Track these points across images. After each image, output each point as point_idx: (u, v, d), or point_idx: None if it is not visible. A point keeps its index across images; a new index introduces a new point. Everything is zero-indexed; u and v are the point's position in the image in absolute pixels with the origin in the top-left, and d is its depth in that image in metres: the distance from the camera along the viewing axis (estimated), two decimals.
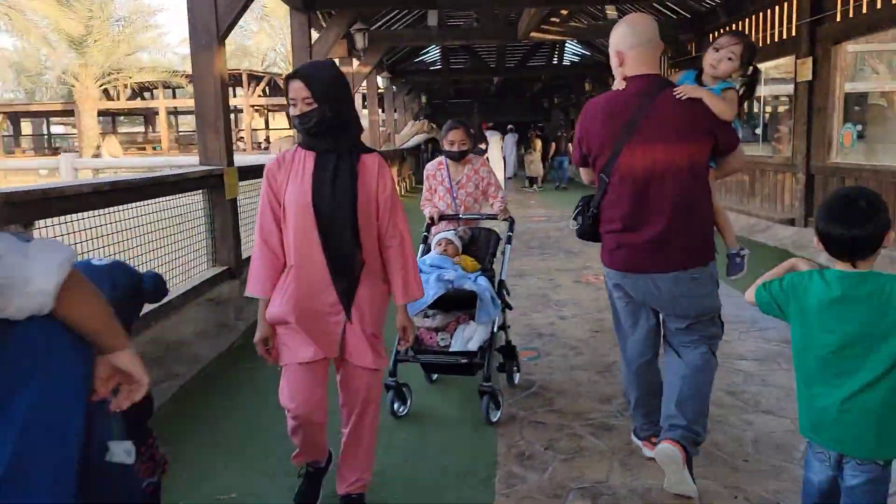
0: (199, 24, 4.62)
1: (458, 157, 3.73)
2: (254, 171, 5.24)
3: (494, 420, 3.15)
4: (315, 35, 8.02)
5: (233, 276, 4.82)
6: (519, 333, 4.62)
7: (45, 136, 33.44)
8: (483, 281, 3.29)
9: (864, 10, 6.49)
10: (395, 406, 3.22)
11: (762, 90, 9.14)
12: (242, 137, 25.94)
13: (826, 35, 7.10)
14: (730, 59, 2.42)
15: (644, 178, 2.34)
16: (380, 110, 16.43)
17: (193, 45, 4.67)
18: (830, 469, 1.76)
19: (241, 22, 7.06)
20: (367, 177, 2.14)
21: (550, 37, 10.51)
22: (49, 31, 22.67)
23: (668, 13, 10.88)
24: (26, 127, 35.20)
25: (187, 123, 31.67)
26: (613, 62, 2.45)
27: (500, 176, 17.62)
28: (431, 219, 3.69)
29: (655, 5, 10.83)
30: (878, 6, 6.27)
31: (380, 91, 21.30)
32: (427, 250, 3.62)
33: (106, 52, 23.40)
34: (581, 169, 2.64)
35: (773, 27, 8.32)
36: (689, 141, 2.33)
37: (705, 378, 2.51)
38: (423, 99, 21.40)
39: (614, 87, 2.46)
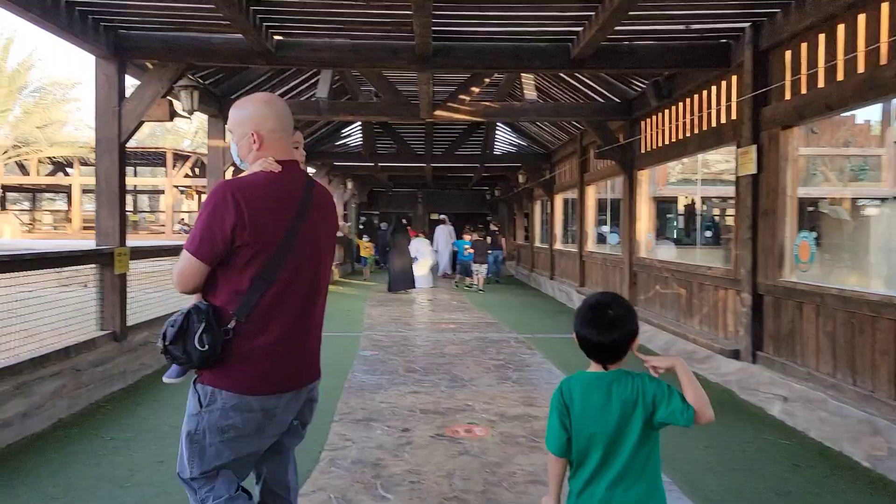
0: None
1: None
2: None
3: None
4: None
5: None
6: None
7: None
8: None
9: (822, 83, 4.93)
10: None
11: (698, 188, 7.59)
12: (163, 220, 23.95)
13: (773, 117, 5.53)
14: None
15: (311, 277, 2.19)
16: None
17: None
18: None
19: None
20: None
21: (458, 117, 8.95)
22: None
23: (596, 97, 9.46)
24: None
25: None
26: (244, 143, 2.20)
27: (422, 271, 15.80)
28: None
29: (580, 87, 9.41)
30: (840, 76, 4.71)
31: None
32: None
33: (13, 124, 21.60)
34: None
35: (709, 108, 6.80)
36: (332, 235, 2.35)
37: None
38: (349, 185, 19.79)
39: (256, 168, 2.14)
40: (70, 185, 25.02)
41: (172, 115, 6.17)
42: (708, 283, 6.88)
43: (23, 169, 24.61)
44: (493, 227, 18.45)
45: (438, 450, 4.38)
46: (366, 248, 19.09)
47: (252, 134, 2.16)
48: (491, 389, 6.02)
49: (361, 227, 24.30)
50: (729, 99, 6.36)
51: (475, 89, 8.79)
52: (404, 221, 16.98)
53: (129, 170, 24.17)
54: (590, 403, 1.86)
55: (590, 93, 9.58)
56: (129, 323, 6.26)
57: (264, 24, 5.64)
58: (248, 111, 2.19)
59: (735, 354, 5.99)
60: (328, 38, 6.13)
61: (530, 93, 8.86)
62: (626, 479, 1.83)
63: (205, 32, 5.98)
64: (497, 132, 14.77)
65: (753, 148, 5.70)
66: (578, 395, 1.88)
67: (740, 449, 4.55)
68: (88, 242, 12.33)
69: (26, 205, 33.88)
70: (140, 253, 6.54)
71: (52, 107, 22.75)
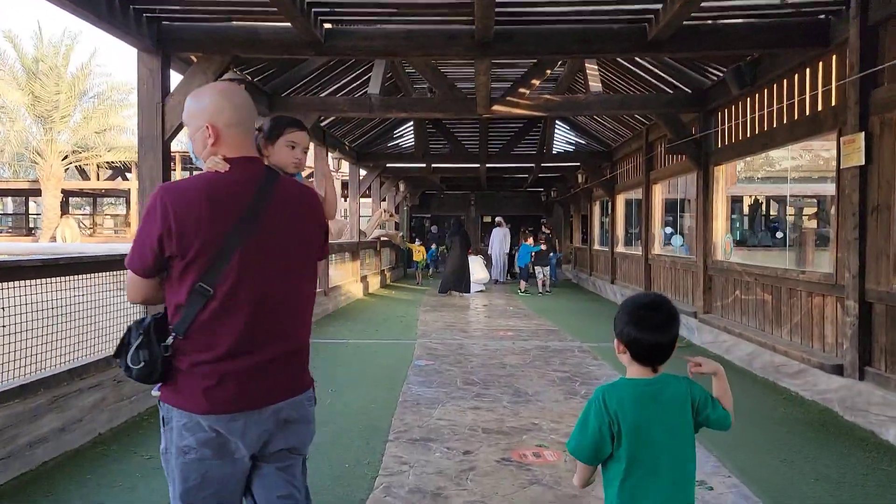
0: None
1: None
2: None
3: None
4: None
5: None
6: None
7: (24, 216, 32.09)
8: None
9: None
10: None
11: (787, 187, 6.88)
12: None
13: (886, 100, 4.84)
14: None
15: (266, 286, 1.95)
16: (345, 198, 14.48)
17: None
18: None
19: None
20: None
21: (517, 112, 8.42)
22: (16, 106, 21.32)
23: (665, 88, 8.80)
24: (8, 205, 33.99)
25: None
26: (198, 137, 1.99)
27: (478, 277, 15.35)
28: None
29: (647, 77, 8.76)
30: None
31: (343, 178, 19.62)
32: None
33: (74, 129, 22.07)
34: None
35: (801, 93, 6.09)
36: (310, 239, 2.12)
37: None
38: (401, 187, 19.44)
39: (208, 167, 1.95)
40: (129, 189, 25.51)
41: None
42: (801, 288, 6.17)
43: (83, 173, 25.19)
44: (545, 230, 17.83)
45: (506, 478, 3.89)
46: (418, 251, 18.69)
47: (207, 127, 1.97)
48: (558, 406, 5.48)
49: (412, 231, 23.93)
50: (828, 82, 5.66)
51: (535, 82, 8.27)
52: (462, 223, 16.52)
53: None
54: (645, 409, 1.85)
55: (658, 83, 8.93)
56: None
57: (313, 10, 5.24)
58: (203, 102, 2.00)
59: (838, 370, 5.29)
60: (381, 24, 5.71)
61: (595, 84, 8.26)
62: (680, 480, 1.86)
63: (251, 21, 5.64)
64: (555, 130, 14.14)
65: (860, 136, 5.00)
66: (630, 402, 1.85)
67: (857, 483, 3.91)
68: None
69: (87, 209, 34.85)
70: None
71: (111, 112, 23.11)
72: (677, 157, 9.24)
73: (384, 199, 18.89)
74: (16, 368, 4.10)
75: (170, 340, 1.90)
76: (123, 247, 15.91)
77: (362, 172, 15.57)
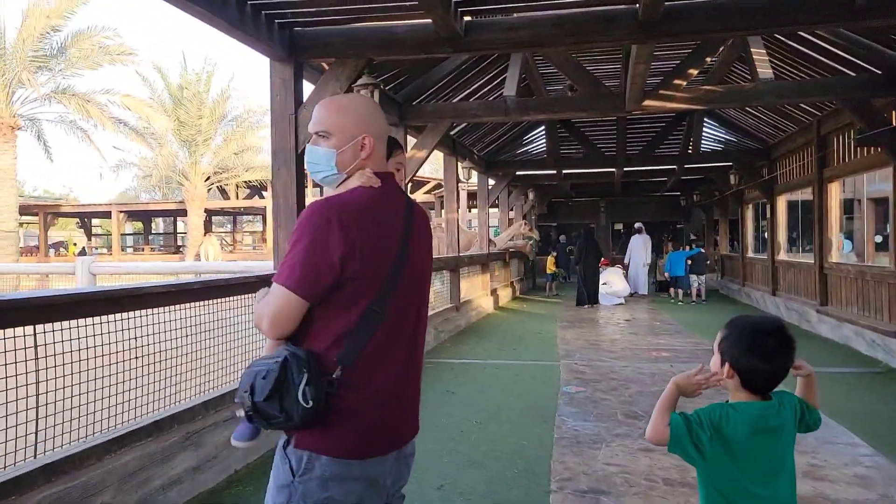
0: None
1: None
2: None
3: None
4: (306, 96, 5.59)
5: None
6: None
7: (172, 235, 34.42)
8: None
9: None
10: None
11: None
12: None
13: None
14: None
15: (417, 312, 1.90)
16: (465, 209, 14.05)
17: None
18: None
19: None
20: None
21: (672, 106, 7.49)
22: (164, 133, 22.75)
23: (847, 70, 7.54)
24: (157, 225, 36.63)
25: None
26: (350, 149, 1.85)
27: (617, 288, 14.34)
28: None
29: (823, 58, 7.54)
30: None
31: (471, 188, 19.08)
32: None
33: (215, 151, 23.22)
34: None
35: None
36: (431, 263, 2.07)
37: None
38: (530, 196, 18.70)
39: (355, 183, 1.85)
40: (265, 207, 26.56)
41: None
42: None
43: (223, 193, 26.52)
44: (692, 237, 16.49)
45: None
46: (551, 262, 17.82)
47: (363, 139, 1.86)
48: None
49: (540, 241, 23.09)
50: None
51: (693, 71, 7.32)
52: (592, 231, 15.53)
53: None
54: (763, 436, 1.82)
55: (836, 65, 7.68)
56: None
57: (453, 0, 4.69)
58: (357, 111, 1.89)
59: None
60: (523, 12, 5.08)
61: (764, 70, 7.17)
62: (792, 480, 1.86)
63: (387, 20, 5.19)
64: (703, 127, 12.90)
65: None
66: (745, 432, 1.80)
67: None
68: (268, 264, 12.43)
69: (228, 227, 36.88)
70: None
71: (248, 133, 24.16)
72: (863, 150, 7.92)
73: (512, 209, 18.28)
74: (148, 403, 3.81)
75: (337, 374, 1.70)
76: (258, 265, 16.33)
77: (490, 182, 15.02)
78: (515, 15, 5.15)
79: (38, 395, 3.15)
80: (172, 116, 22.12)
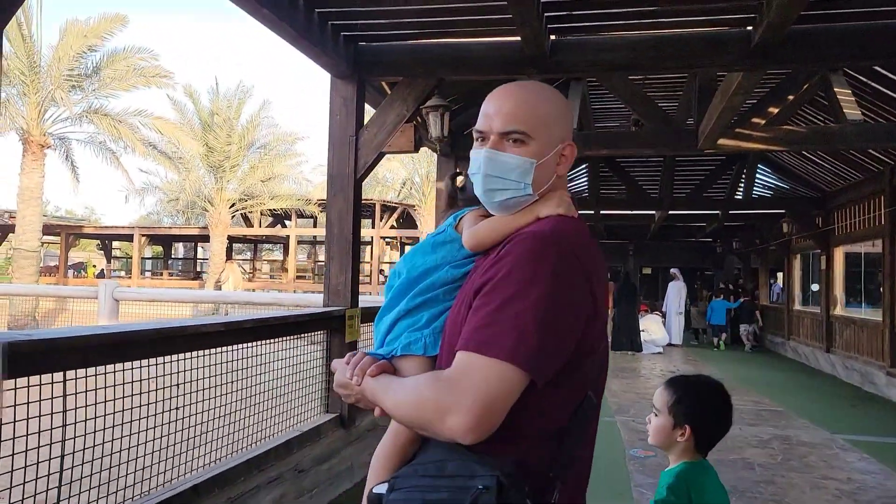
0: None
1: None
2: None
3: None
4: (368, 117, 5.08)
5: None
6: None
7: (192, 260, 34.09)
8: None
9: None
10: None
11: None
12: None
13: None
14: None
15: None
16: None
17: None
18: None
19: None
20: None
21: (749, 146, 6.93)
22: (192, 157, 22.52)
23: None
24: (178, 250, 36.41)
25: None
26: (551, 160, 1.32)
27: (656, 336, 13.68)
28: None
29: None
30: None
31: None
32: None
33: (241, 178, 22.94)
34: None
35: None
36: None
37: None
38: None
39: (552, 211, 1.30)
40: (287, 236, 26.16)
41: (418, 144, 4.93)
42: None
43: (247, 220, 26.16)
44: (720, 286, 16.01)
45: None
46: None
47: (564, 147, 1.34)
48: None
49: None
50: None
51: (773, 109, 6.77)
52: (629, 276, 14.92)
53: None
54: (721, 491, 1.92)
55: None
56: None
57: (545, 14, 4.19)
58: (558, 105, 1.34)
59: None
60: (615, 31, 4.58)
61: (852, 111, 6.62)
62: None
63: (461, 37, 4.71)
64: (757, 170, 12.30)
65: None
66: (716, 486, 1.91)
67: None
68: (306, 297, 11.87)
69: (248, 254, 36.54)
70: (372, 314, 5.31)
71: (276, 161, 23.90)
72: None
73: None
74: (185, 462, 3.22)
75: (555, 497, 1.19)
76: (286, 297, 15.81)
77: None
78: (605, 35, 4.64)
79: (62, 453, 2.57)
80: (202, 141, 21.89)
